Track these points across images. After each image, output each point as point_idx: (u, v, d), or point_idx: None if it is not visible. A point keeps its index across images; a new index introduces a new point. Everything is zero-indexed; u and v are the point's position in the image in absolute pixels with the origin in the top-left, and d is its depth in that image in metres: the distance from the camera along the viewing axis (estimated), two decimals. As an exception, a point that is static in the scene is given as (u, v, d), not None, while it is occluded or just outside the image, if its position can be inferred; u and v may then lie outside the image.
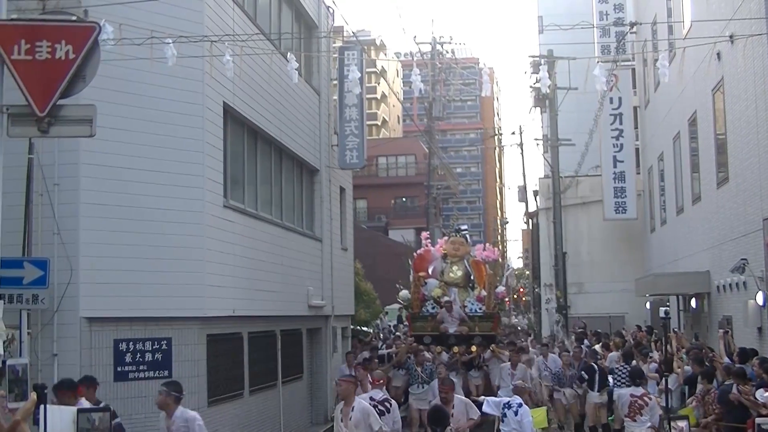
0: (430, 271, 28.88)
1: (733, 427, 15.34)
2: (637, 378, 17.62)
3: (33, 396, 5.17)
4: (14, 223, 15.03)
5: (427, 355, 25.20)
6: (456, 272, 28.45)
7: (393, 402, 15.40)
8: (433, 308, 27.38)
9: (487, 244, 33.38)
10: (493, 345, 26.45)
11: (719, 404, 15.88)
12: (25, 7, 14.00)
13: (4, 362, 10.66)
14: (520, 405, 16.27)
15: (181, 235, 18.09)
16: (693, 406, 17.51)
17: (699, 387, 17.63)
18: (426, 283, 28.21)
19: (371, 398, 14.80)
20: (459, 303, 27.50)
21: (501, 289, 30.18)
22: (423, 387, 23.02)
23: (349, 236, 33.56)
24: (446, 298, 27.36)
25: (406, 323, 31.46)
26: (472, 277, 28.56)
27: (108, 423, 8.01)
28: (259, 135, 23.22)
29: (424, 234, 32.34)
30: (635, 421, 16.75)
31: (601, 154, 41.61)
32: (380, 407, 14.67)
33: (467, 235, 30.16)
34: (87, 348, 17.00)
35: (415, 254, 30.48)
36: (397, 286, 30.82)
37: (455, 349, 26.24)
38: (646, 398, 16.98)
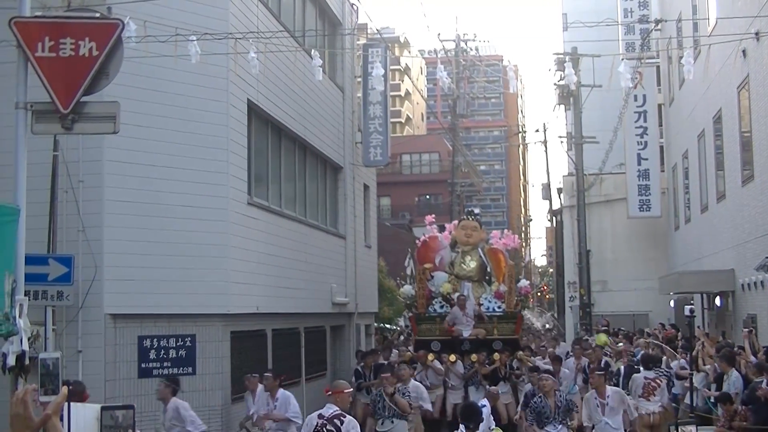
0: (437, 262, 24.90)
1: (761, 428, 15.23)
2: (649, 362, 18.72)
3: (64, 390, 5.18)
4: (39, 219, 15.11)
5: (438, 365, 22.12)
6: (469, 263, 24.55)
7: (348, 418, 12.08)
8: (441, 307, 23.69)
9: (506, 231, 28.21)
10: (520, 353, 22.71)
11: (745, 403, 15.80)
12: (50, 4, 14.04)
13: (34, 357, 10.72)
14: (483, 406, 15.46)
15: (205, 232, 18.14)
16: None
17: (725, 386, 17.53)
18: (433, 277, 24.35)
19: (320, 415, 12.12)
20: (474, 300, 23.71)
21: (524, 283, 26.53)
22: (392, 422, 17.10)
23: (373, 234, 33.56)
24: (458, 293, 23.62)
25: (408, 325, 27.27)
26: (488, 269, 24.80)
27: (132, 421, 8.06)
28: (283, 132, 23.25)
29: (429, 218, 26.90)
30: (649, 400, 17.68)
31: (625, 152, 41.47)
32: (329, 426, 11.88)
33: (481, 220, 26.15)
34: (111, 344, 17.07)
35: (417, 242, 26.42)
36: (398, 280, 27.65)
37: (474, 357, 22.22)
38: (658, 381, 17.99)
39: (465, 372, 22.42)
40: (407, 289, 24.96)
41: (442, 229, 26.13)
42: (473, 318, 23.19)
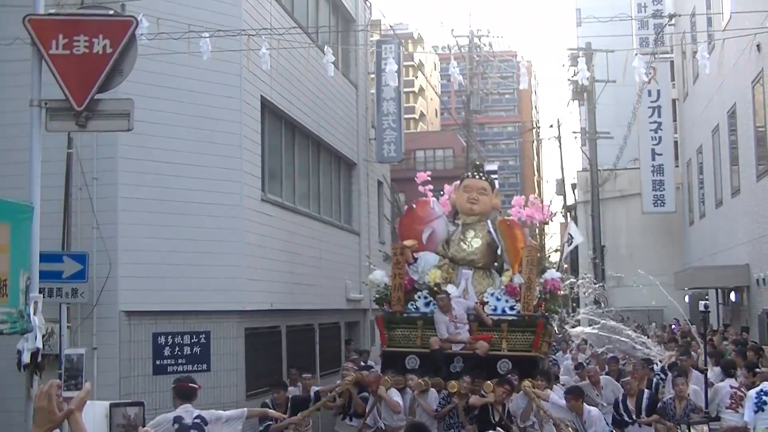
0: (424, 237, 17.55)
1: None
2: (730, 369, 16.50)
3: (87, 385, 5.22)
4: (54, 217, 15.14)
5: (395, 397, 15.08)
6: (471, 242, 17.23)
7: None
8: (427, 304, 16.75)
9: (531, 197, 19.32)
10: (526, 382, 14.93)
11: None
12: (64, 1, 14.07)
13: (48, 354, 10.76)
14: None
15: (219, 228, 18.15)
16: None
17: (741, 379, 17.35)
18: (416, 260, 17.17)
19: (177, 418, 10.39)
20: (474, 296, 16.74)
21: (554, 274, 17.51)
22: None
23: (387, 230, 33.54)
24: (449, 287, 16.42)
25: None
26: (500, 251, 17.22)
27: (142, 418, 8.06)
28: (297, 129, 23.24)
29: (421, 175, 18.80)
30: (738, 412, 15.05)
31: (639, 147, 41.41)
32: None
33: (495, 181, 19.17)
34: (126, 341, 17.07)
35: (404, 208, 19.77)
36: (367, 263, 20.92)
37: (453, 385, 14.95)
38: (743, 389, 15.67)
39: (439, 407, 15.20)
40: (378, 275, 17.98)
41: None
42: (467, 323, 16.19)
